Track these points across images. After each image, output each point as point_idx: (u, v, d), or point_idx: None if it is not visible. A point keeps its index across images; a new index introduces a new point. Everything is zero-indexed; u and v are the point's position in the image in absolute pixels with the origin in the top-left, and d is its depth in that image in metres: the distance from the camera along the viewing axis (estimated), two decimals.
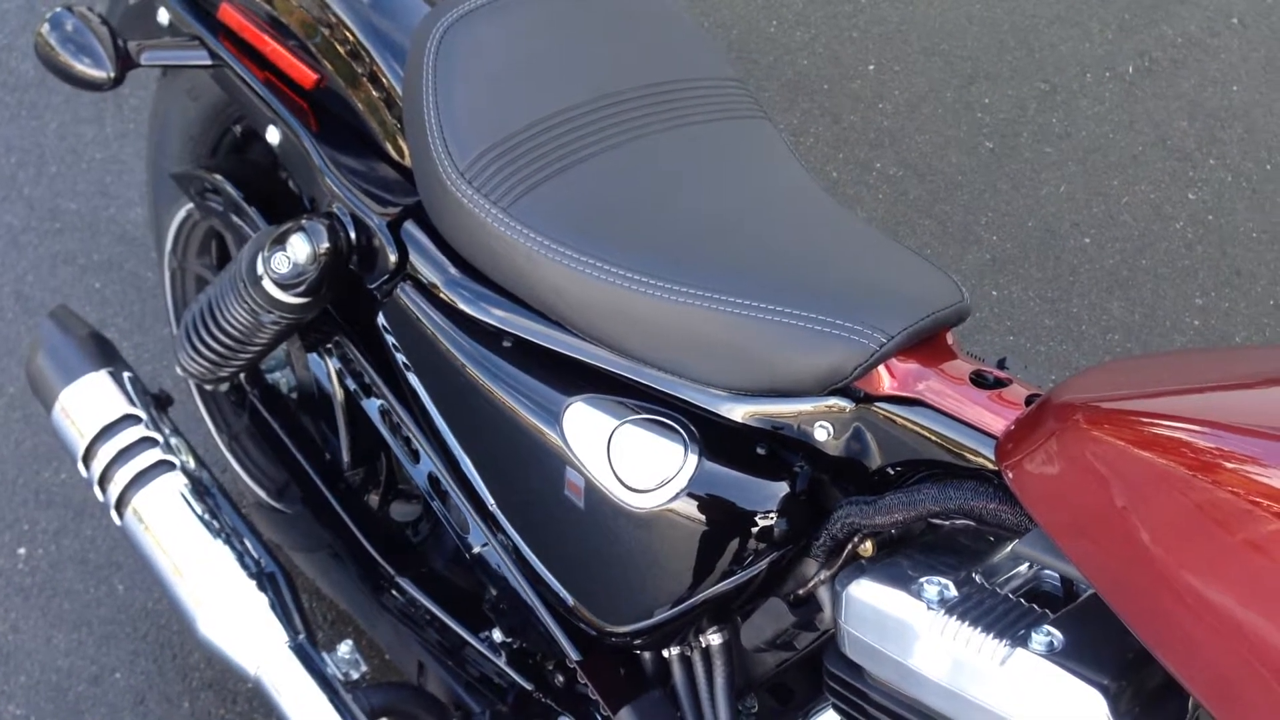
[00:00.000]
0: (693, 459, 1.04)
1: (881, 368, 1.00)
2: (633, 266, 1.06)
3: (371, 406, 1.36)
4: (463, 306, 1.16)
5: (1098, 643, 0.85)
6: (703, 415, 1.06)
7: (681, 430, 1.05)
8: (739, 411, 1.06)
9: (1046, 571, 0.97)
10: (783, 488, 1.04)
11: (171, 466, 1.36)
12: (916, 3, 3.08)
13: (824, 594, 1.05)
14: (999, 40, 2.96)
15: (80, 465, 1.43)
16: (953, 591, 0.92)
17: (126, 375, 1.46)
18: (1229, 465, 0.78)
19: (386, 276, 1.22)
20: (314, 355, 1.46)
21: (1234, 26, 2.94)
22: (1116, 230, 2.48)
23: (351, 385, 1.39)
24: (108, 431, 1.40)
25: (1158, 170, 2.60)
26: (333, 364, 1.41)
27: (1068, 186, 2.58)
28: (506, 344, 1.14)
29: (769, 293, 1.03)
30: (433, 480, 1.28)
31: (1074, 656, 0.84)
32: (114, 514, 1.39)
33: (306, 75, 1.33)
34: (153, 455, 1.37)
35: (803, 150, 2.70)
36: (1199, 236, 2.46)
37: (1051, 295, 2.35)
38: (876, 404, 1.00)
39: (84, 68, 1.38)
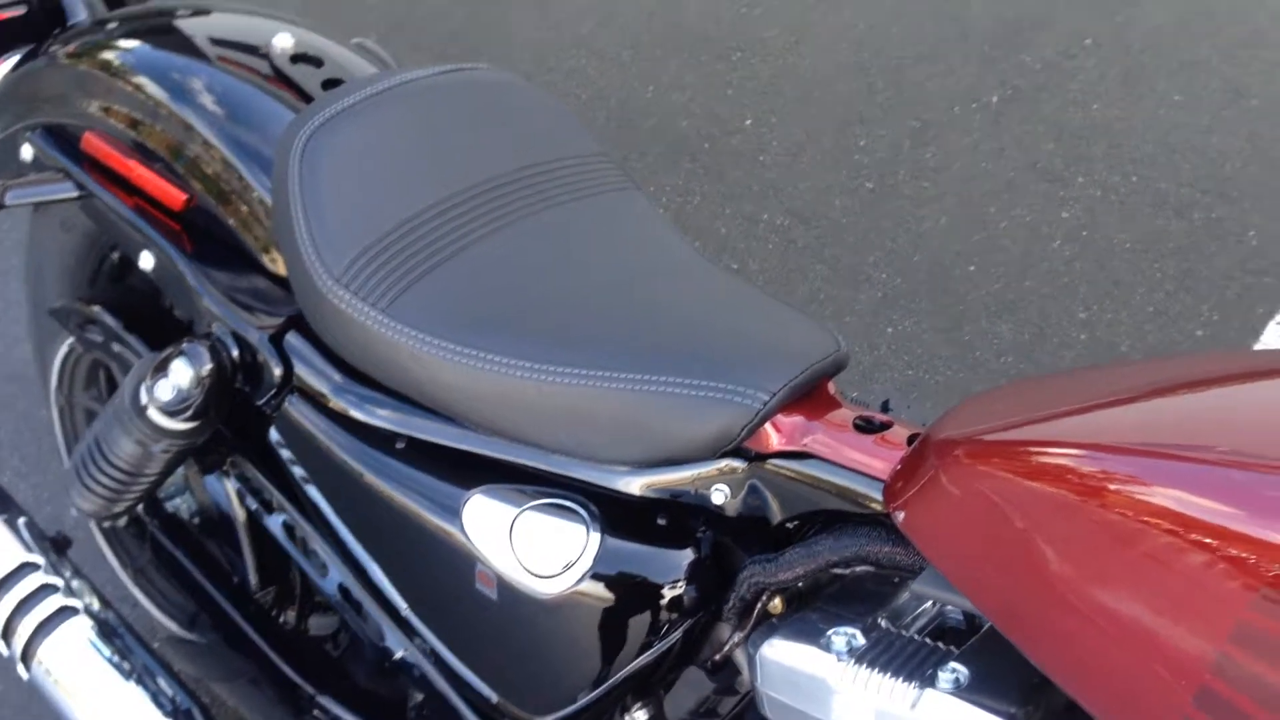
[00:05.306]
0: (595, 538, 1.05)
1: (768, 425, 1.02)
2: (515, 352, 1.07)
3: (274, 523, 1.34)
4: (353, 413, 1.16)
5: (1002, 672, 0.87)
6: (601, 493, 1.07)
7: (581, 510, 1.06)
8: (635, 484, 1.06)
9: (949, 607, 0.99)
10: (687, 555, 1.04)
11: (75, 611, 1.33)
12: (786, 55, 3.18)
13: (740, 656, 1.05)
14: (868, 83, 3.05)
15: None
16: (860, 640, 0.92)
17: (21, 520, 1.43)
18: (1110, 486, 0.80)
19: (274, 391, 1.21)
20: (211, 477, 1.44)
21: (1089, 47, 3.07)
22: (998, 255, 2.55)
23: (252, 504, 1.37)
24: (6, 582, 1.36)
25: (1031, 193, 2.69)
26: (231, 484, 1.39)
27: (948, 218, 2.65)
28: (400, 445, 1.14)
29: (650, 363, 1.05)
30: (344, 591, 1.27)
31: (980, 690, 0.86)
32: (20, 667, 1.35)
33: (175, 196, 1.33)
34: (55, 602, 1.33)
35: (690, 209, 2.75)
36: (1076, 253, 2.54)
37: (944, 325, 2.41)
38: (768, 461, 1.02)
39: None
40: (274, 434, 1.24)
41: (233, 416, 1.29)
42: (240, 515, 1.40)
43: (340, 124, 1.19)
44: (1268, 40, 3.00)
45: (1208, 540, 0.74)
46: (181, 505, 1.57)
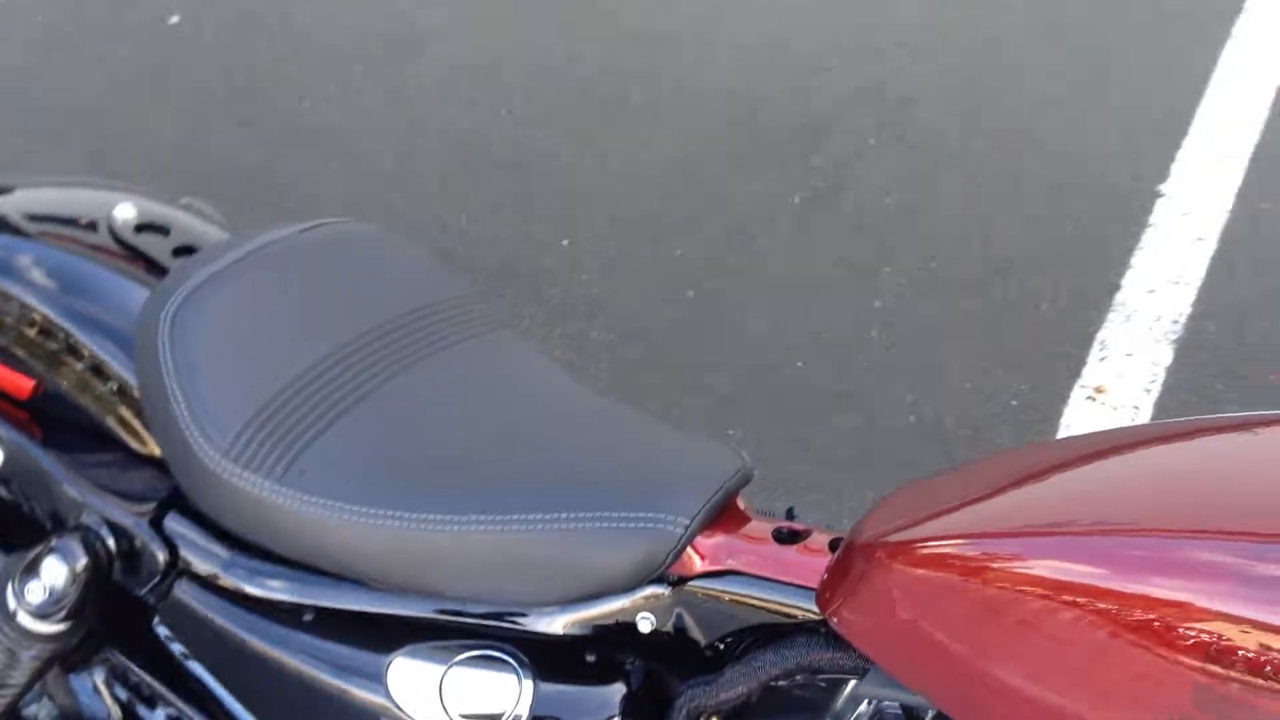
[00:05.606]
0: (528, 685, 1.03)
1: (690, 549, 1.03)
2: (425, 507, 1.05)
3: (157, 719, 1.25)
4: (251, 590, 1.11)
5: None
6: (528, 638, 1.05)
7: (510, 659, 1.04)
8: (560, 624, 1.05)
9: (885, 704, 1.01)
10: (619, 689, 1.04)
11: None
12: (591, 174, 3.27)
13: None
14: (675, 193, 3.17)
15: None
16: None
17: None
18: (1035, 570, 0.85)
19: (158, 579, 1.15)
20: (76, 676, 1.33)
21: (873, 146, 3.28)
22: (822, 349, 2.67)
23: (128, 699, 1.28)
24: None
25: (843, 286, 2.84)
26: (101, 681, 1.30)
27: (770, 318, 2.76)
28: (308, 618, 1.09)
29: (566, 501, 1.04)
30: None
31: None
32: None
33: (20, 385, 1.26)
34: None
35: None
36: (893, 340, 2.68)
37: (782, 422, 2.49)
38: (692, 584, 1.03)
39: None
40: (159, 623, 1.17)
41: (108, 609, 1.21)
42: (114, 714, 1.30)
43: (206, 293, 1.16)
44: (1034, 129, 3.28)
45: (1144, 615, 0.79)
46: (41, 712, 1.44)
